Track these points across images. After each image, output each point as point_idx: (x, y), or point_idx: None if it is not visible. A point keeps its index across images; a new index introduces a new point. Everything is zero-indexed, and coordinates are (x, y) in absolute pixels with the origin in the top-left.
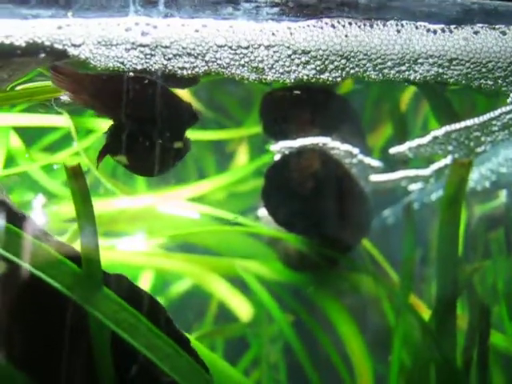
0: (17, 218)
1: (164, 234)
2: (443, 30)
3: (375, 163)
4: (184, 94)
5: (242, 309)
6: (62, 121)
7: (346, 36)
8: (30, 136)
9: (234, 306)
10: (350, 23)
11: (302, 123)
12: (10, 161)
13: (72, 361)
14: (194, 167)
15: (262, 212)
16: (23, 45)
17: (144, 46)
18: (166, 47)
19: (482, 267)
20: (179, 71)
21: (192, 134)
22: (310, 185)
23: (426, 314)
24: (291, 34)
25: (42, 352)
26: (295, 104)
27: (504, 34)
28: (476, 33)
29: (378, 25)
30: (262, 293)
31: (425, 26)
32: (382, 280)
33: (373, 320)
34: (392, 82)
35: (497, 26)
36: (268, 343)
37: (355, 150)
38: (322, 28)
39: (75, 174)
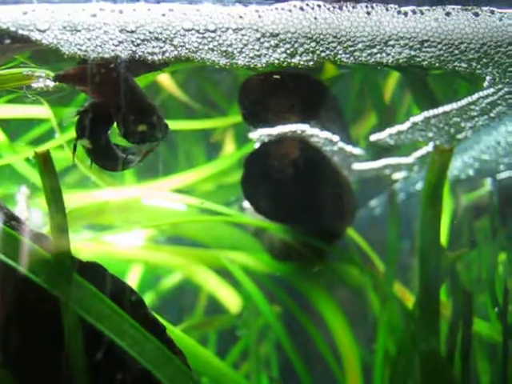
0: None
1: (150, 225)
2: (414, 12)
3: (357, 151)
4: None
5: (231, 300)
6: (46, 112)
7: (315, 18)
8: (15, 129)
9: (222, 297)
10: (318, 6)
11: (280, 110)
12: None
13: (43, 346)
14: (179, 158)
15: (247, 203)
16: None
17: (111, 31)
18: (132, 32)
19: (465, 255)
20: (150, 57)
21: (179, 125)
22: (289, 173)
23: (411, 302)
24: (259, 16)
25: (11, 337)
26: (274, 90)
27: (476, 15)
28: (448, 14)
29: (347, 7)
30: (248, 284)
31: (395, 8)
32: (367, 269)
33: (359, 309)
34: (372, 67)
35: (469, 7)
36: (257, 334)
37: (335, 138)
38: (290, 11)
39: (45, 161)
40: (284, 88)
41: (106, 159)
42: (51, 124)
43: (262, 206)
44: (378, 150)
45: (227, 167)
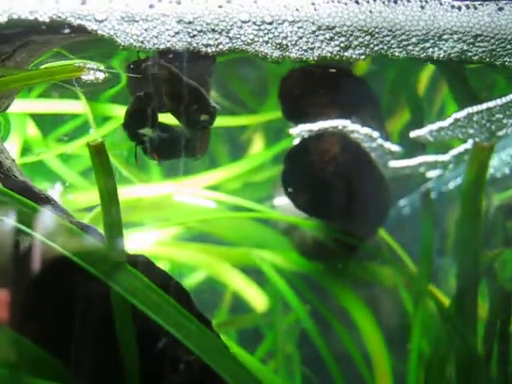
0: (38, 198)
1: (179, 223)
2: (467, 7)
3: (394, 148)
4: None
5: (257, 299)
6: (79, 107)
7: (371, 12)
8: (47, 124)
9: (248, 296)
10: None
11: (322, 105)
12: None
13: (95, 337)
14: (209, 155)
15: (278, 201)
16: (47, 21)
17: (168, 22)
18: (190, 23)
19: (502, 253)
20: (204, 48)
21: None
22: (330, 168)
23: (443, 302)
24: (315, 9)
25: (64, 329)
26: (316, 85)
27: None
28: (500, 9)
29: (402, 0)
30: (279, 282)
31: (449, 3)
32: (399, 268)
33: (390, 309)
34: (410, 63)
35: None
36: (283, 334)
37: (375, 134)
38: (346, 4)
39: (99, 152)
40: (325, 82)
41: (170, 147)
42: (83, 119)
43: (301, 202)
44: (415, 147)
45: (258, 165)
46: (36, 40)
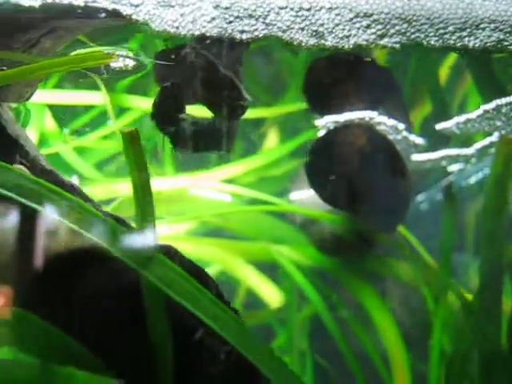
0: (66, 187)
1: (194, 217)
2: None
3: (419, 140)
4: None
5: (272, 295)
6: (97, 98)
7: None
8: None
9: (263, 292)
10: None
11: (348, 95)
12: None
13: (126, 330)
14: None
15: (295, 195)
16: (82, 5)
17: (204, 7)
18: (227, 8)
19: None
20: (239, 35)
21: None
22: (355, 161)
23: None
24: None
25: (93, 319)
26: (342, 75)
27: None
28: None
29: None
30: (297, 277)
31: None
32: (419, 263)
33: (410, 305)
34: (433, 52)
35: None
36: (298, 329)
37: (401, 126)
38: None
39: (132, 140)
40: (352, 72)
41: (211, 137)
42: (100, 109)
43: (326, 194)
44: (438, 140)
45: (276, 159)
46: (64, 25)
